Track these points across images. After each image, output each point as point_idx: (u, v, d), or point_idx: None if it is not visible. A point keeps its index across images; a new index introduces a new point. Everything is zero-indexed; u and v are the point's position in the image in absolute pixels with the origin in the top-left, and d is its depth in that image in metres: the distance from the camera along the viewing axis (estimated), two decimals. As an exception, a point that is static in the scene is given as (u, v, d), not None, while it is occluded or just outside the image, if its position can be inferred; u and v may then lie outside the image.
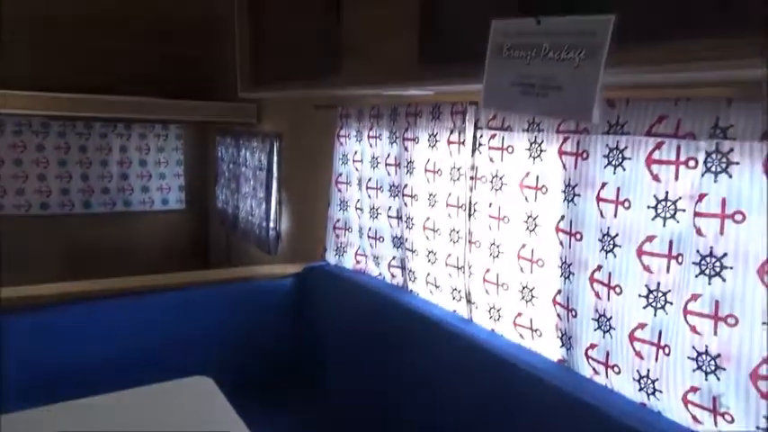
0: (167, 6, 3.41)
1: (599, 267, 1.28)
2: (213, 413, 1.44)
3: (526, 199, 1.48)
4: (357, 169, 2.23)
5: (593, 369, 1.33)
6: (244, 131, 3.51)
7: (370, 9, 1.60)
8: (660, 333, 1.17)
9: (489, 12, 1.09)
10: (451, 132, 1.73)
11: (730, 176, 1.02)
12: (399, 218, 2.01)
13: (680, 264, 1.12)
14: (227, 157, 3.83)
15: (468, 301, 1.73)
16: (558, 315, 1.43)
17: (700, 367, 1.08)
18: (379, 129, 2.07)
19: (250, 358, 2.23)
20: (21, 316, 1.86)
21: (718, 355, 1.05)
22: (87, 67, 3.44)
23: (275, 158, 3.08)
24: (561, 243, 1.39)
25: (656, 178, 1.16)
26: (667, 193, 1.14)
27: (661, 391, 1.17)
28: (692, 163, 1.10)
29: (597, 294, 1.29)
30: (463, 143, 1.69)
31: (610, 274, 1.25)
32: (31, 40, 3.35)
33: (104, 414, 1.43)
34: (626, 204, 1.21)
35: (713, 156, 1.04)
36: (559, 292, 1.41)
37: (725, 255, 1.03)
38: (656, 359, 1.18)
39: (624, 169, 1.21)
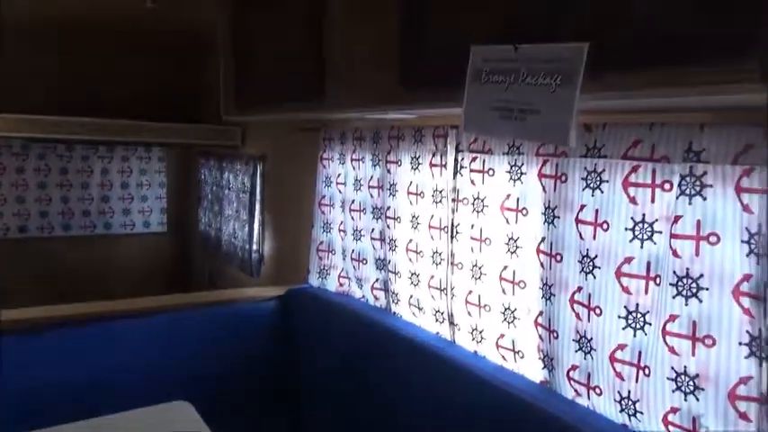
0: (151, 29, 3.42)
1: (579, 289, 1.29)
2: (192, 440, 1.41)
3: (507, 221, 1.50)
4: (340, 191, 2.24)
5: (575, 390, 1.34)
6: (227, 154, 3.51)
7: (352, 34, 1.63)
8: (640, 354, 1.18)
9: (469, 38, 1.12)
10: (433, 155, 1.75)
11: (704, 199, 1.05)
12: (382, 240, 2.01)
13: (658, 285, 1.14)
14: (211, 180, 3.82)
15: (451, 323, 1.73)
16: (540, 336, 1.43)
17: (679, 388, 1.09)
18: (362, 151, 2.09)
19: (232, 383, 2.20)
20: (5, 339, 1.82)
21: (697, 376, 1.06)
22: (69, 89, 3.42)
23: (258, 181, 3.08)
24: (542, 265, 1.40)
25: (632, 201, 1.18)
26: (644, 215, 1.16)
27: (642, 413, 1.17)
28: (667, 186, 1.12)
29: (578, 315, 1.30)
30: (445, 166, 1.71)
31: (590, 295, 1.26)
32: (11, 60, 3.34)
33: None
34: (604, 226, 1.23)
35: (687, 179, 1.07)
36: (541, 313, 1.42)
37: (701, 276, 1.05)
38: (637, 380, 1.18)
39: (602, 192, 1.23)
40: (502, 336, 1.55)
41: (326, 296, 2.26)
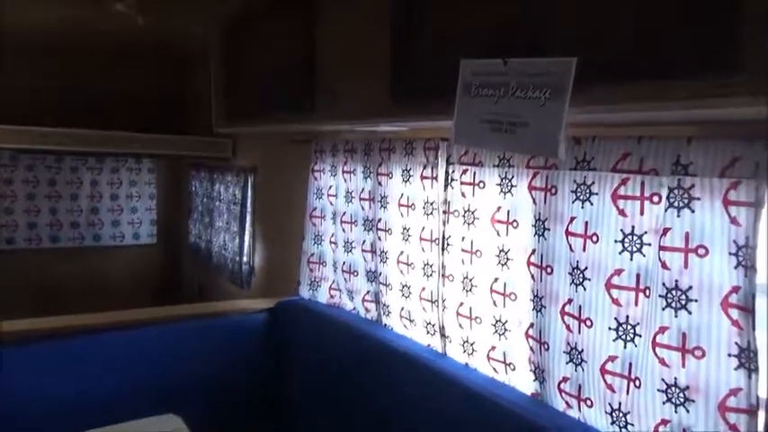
0: (143, 42, 3.43)
1: (570, 301, 1.30)
2: (181, 454, 1.40)
3: (498, 233, 1.50)
4: (331, 203, 2.24)
5: (566, 402, 1.34)
6: (218, 165, 3.50)
7: (343, 47, 1.64)
8: (630, 365, 1.18)
9: (459, 51, 1.13)
10: (424, 167, 1.76)
11: (692, 211, 1.06)
12: (373, 252, 2.01)
13: (647, 297, 1.15)
14: (201, 191, 3.80)
15: (443, 335, 1.73)
16: (531, 348, 1.43)
17: (669, 399, 1.09)
18: (354, 164, 2.09)
19: (221, 395, 2.18)
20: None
21: (687, 387, 1.07)
22: (59, 102, 3.41)
23: (249, 192, 3.07)
24: (533, 277, 1.40)
25: (622, 213, 1.19)
26: (633, 227, 1.17)
27: (633, 424, 1.18)
28: (656, 198, 1.13)
29: (568, 327, 1.31)
30: (436, 178, 1.72)
31: (580, 307, 1.27)
32: (2, 72, 3.32)
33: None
34: (594, 238, 1.24)
35: (676, 191, 1.08)
36: (532, 325, 1.42)
37: (690, 288, 1.06)
38: (628, 392, 1.19)
39: (592, 204, 1.24)
40: (493, 348, 1.55)
41: (317, 308, 2.26)
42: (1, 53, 3.16)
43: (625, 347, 1.19)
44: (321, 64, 1.73)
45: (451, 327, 1.68)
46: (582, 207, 1.26)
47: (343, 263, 2.18)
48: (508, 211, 1.47)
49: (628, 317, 1.19)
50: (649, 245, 1.15)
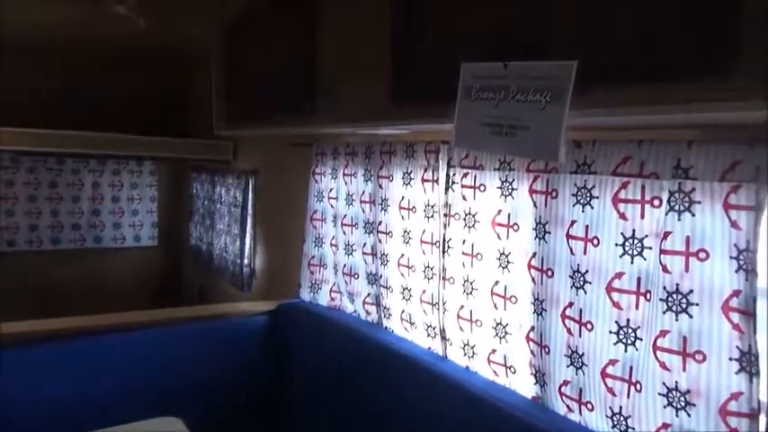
0: (144, 44, 3.43)
1: (570, 304, 1.30)
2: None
3: (498, 236, 1.50)
4: (332, 206, 2.24)
5: (567, 406, 1.33)
6: (219, 168, 3.50)
7: (344, 49, 1.64)
8: (631, 369, 1.18)
9: (459, 54, 1.13)
10: (425, 170, 1.76)
11: (693, 215, 1.05)
12: (374, 254, 2.01)
13: (648, 300, 1.14)
14: (202, 194, 3.81)
15: (443, 338, 1.72)
16: (532, 352, 1.43)
17: (670, 403, 1.09)
18: (355, 166, 2.09)
19: (222, 397, 2.18)
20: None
21: (688, 391, 1.06)
22: (61, 104, 3.42)
23: (250, 195, 3.07)
24: (533, 280, 1.40)
25: (622, 216, 1.19)
26: (634, 230, 1.17)
27: (634, 428, 1.17)
28: (656, 202, 1.13)
29: (569, 331, 1.30)
30: (437, 181, 1.72)
31: (581, 310, 1.27)
32: (3, 75, 3.33)
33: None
34: (595, 242, 1.23)
35: (676, 195, 1.08)
36: (532, 328, 1.42)
37: (691, 291, 1.06)
38: (628, 395, 1.18)
39: (592, 207, 1.24)
40: (494, 351, 1.55)
41: (318, 311, 2.26)
42: (2, 54, 3.17)
43: (626, 351, 1.19)
44: (322, 66, 1.73)
45: (452, 330, 1.68)
46: (582, 210, 1.26)
47: (344, 265, 2.18)
48: (509, 215, 1.47)
49: (629, 320, 1.19)
50: (650, 248, 1.15)
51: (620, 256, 1.19)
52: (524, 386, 1.47)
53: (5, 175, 3.74)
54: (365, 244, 2.07)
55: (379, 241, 1.96)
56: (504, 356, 1.52)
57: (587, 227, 1.25)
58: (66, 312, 2.14)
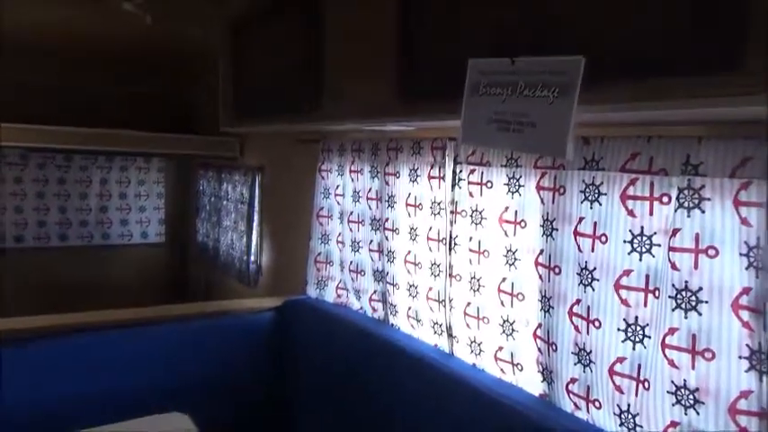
0: (151, 42, 3.44)
1: (578, 301, 1.29)
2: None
3: (506, 233, 1.50)
4: (338, 203, 2.24)
5: (575, 404, 1.33)
6: (226, 165, 3.51)
7: (350, 45, 1.63)
8: (639, 367, 1.17)
9: (466, 50, 1.12)
10: (432, 167, 1.75)
11: (703, 212, 1.04)
12: (380, 251, 2.01)
13: (657, 298, 1.14)
14: (209, 191, 3.81)
15: (450, 335, 1.72)
16: (539, 349, 1.42)
17: (679, 401, 1.08)
18: (361, 163, 2.09)
19: (228, 393, 2.19)
20: (2, 348, 1.80)
21: (697, 390, 1.06)
22: (69, 101, 3.43)
23: (257, 192, 3.08)
24: (541, 277, 1.39)
25: (631, 213, 1.18)
26: (642, 227, 1.16)
27: (642, 426, 1.16)
28: (665, 199, 1.12)
29: (577, 328, 1.30)
30: (443, 178, 1.71)
31: (588, 307, 1.26)
32: (13, 72, 3.34)
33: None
34: (603, 239, 1.23)
35: (686, 192, 1.06)
36: (540, 325, 1.41)
37: (700, 289, 1.05)
38: (636, 393, 1.18)
39: (600, 204, 1.23)
40: (500, 348, 1.54)
41: (324, 307, 2.26)
42: (11, 53, 3.18)
43: (634, 349, 1.18)
44: (328, 63, 1.73)
45: (459, 327, 1.68)
46: (590, 207, 1.25)
47: (351, 262, 2.18)
48: (516, 211, 1.46)
49: (637, 318, 1.18)
50: (659, 245, 1.14)
51: (629, 254, 1.18)
52: (531, 384, 1.47)
53: (14, 171, 3.77)
54: (372, 241, 2.06)
55: (386, 238, 1.95)
56: (511, 354, 1.51)
57: (595, 224, 1.24)
58: (73, 308, 2.16)
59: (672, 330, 1.08)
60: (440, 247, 1.74)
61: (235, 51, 2.42)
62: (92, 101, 3.51)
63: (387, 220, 1.94)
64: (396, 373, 1.76)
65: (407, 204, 1.86)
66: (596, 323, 1.24)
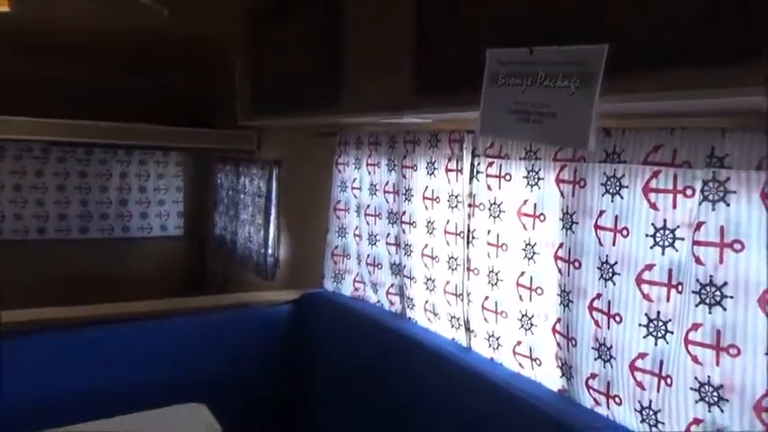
0: (169, 36, 3.46)
1: (598, 296, 1.27)
2: (207, 442, 1.41)
3: (524, 226, 1.48)
4: (356, 196, 2.23)
5: (594, 399, 1.31)
6: (243, 158, 3.52)
7: (368, 38, 1.62)
8: (661, 363, 1.15)
9: (485, 41, 1.11)
10: (449, 160, 1.74)
11: (728, 205, 1.02)
12: (398, 245, 2.00)
13: (680, 292, 1.11)
14: (227, 184, 3.83)
15: (467, 329, 1.71)
16: (558, 344, 1.41)
17: (702, 398, 1.06)
18: (378, 156, 2.08)
19: (246, 384, 2.20)
20: (15, 341, 1.83)
21: (721, 386, 1.03)
22: (88, 95, 3.47)
23: (274, 185, 3.08)
24: (560, 271, 1.38)
25: (653, 206, 1.15)
26: (665, 221, 1.14)
27: (663, 423, 1.14)
28: (689, 191, 1.10)
29: (597, 323, 1.28)
30: (461, 171, 1.70)
31: (609, 302, 1.24)
32: (29, 66, 3.39)
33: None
34: (624, 232, 1.20)
35: (710, 184, 1.04)
36: (559, 320, 1.39)
37: (725, 284, 1.02)
38: (658, 390, 1.16)
39: (622, 197, 1.21)
40: (519, 342, 1.53)
41: (341, 300, 2.26)
42: (30, 47, 3.22)
43: (656, 344, 1.16)
44: (346, 55, 1.72)
45: (476, 321, 1.66)
46: (612, 200, 1.23)
47: (368, 255, 2.17)
48: (535, 204, 1.45)
49: (659, 313, 1.15)
50: (682, 239, 1.11)
51: (651, 248, 1.16)
52: (550, 379, 1.45)
53: (36, 164, 3.82)
54: (389, 234, 2.06)
55: (403, 231, 1.94)
56: (530, 348, 1.50)
57: (616, 217, 1.22)
58: (94, 300, 2.18)
59: (695, 326, 1.06)
60: (457, 240, 1.73)
61: (252, 45, 2.42)
62: (109, 95, 3.54)
63: (404, 213, 1.93)
64: (413, 367, 1.75)
65: (425, 197, 1.85)
66: (617, 318, 1.22)
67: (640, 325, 1.18)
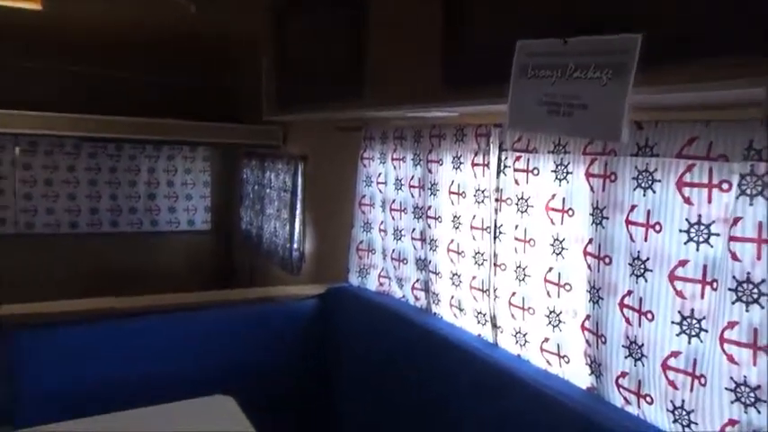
0: (196, 33, 3.50)
1: (629, 292, 1.24)
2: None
3: (552, 221, 1.45)
4: (381, 191, 2.22)
5: (625, 398, 1.28)
6: (269, 153, 3.54)
7: (394, 31, 1.61)
8: (695, 362, 1.12)
9: (514, 32, 1.09)
10: (476, 154, 1.72)
11: (766, 199, 0.98)
12: (423, 240, 1.99)
13: (715, 290, 1.08)
14: (253, 179, 3.86)
15: (494, 325, 1.69)
16: (587, 341, 1.38)
17: (738, 399, 1.03)
18: (403, 151, 2.07)
19: (271, 377, 2.21)
20: (45, 332, 1.87)
21: (758, 387, 1.00)
22: (116, 91, 3.52)
23: (300, 180, 3.09)
24: (589, 267, 1.35)
25: (687, 201, 1.12)
26: (700, 216, 1.10)
27: (697, 423, 1.11)
28: (725, 186, 1.06)
29: (628, 320, 1.25)
30: (488, 165, 1.67)
31: (641, 299, 1.21)
32: (63, 63, 3.45)
33: (126, 429, 1.43)
34: (657, 228, 1.17)
35: (748, 178, 1.00)
36: (588, 317, 1.37)
37: (763, 281, 0.99)
38: (692, 389, 1.13)
39: (654, 192, 1.18)
40: (546, 339, 1.50)
41: (366, 295, 2.26)
42: (64, 45, 3.28)
43: (689, 343, 1.13)
44: (371, 49, 1.71)
45: (503, 317, 1.64)
46: (644, 195, 1.20)
47: (393, 250, 2.17)
48: (563, 199, 1.42)
49: (693, 310, 1.12)
50: (718, 235, 1.08)
51: (685, 243, 1.13)
52: (578, 376, 1.43)
53: (68, 160, 3.90)
54: (414, 229, 2.05)
55: (429, 226, 1.93)
56: (558, 345, 1.47)
57: (649, 212, 1.19)
58: (123, 293, 2.22)
59: (731, 324, 1.03)
60: (484, 235, 1.71)
61: (278, 40, 2.42)
62: (138, 92, 3.60)
63: (429, 208, 1.92)
64: (438, 363, 1.74)
65: (450, 192, 1.83)
66: (649, 315, 1.19)
67: (673, 323, 1.15)
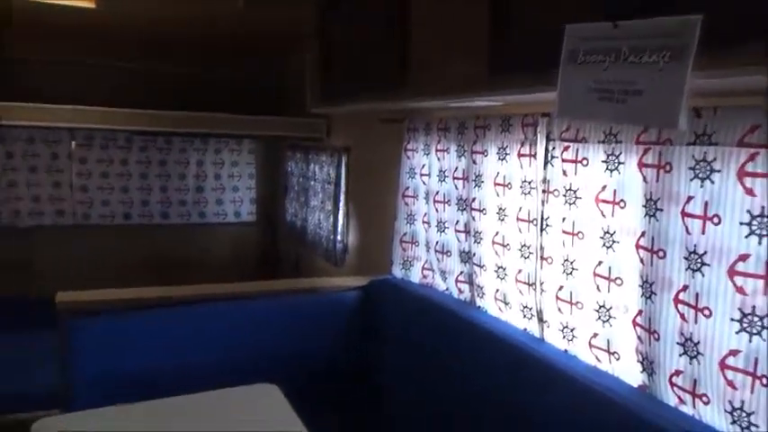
0: (242, 25, 3.54)
1: (685, 287, 1.19)
2: (278, 420, 1.45)
3: (602, 214, 1.41)
4: (424, 183, 2.21)
5: (679, 397, 1.23)
6: (313, 146, 3.57)
7: (439, 20, 1.58)
8: (756, 361, 1.06)
9: (561, 17, 1.05)
10: (522, 145, 1.68)
11: (838, 190, 0.92)
12: (467, 232, 1.96)
13: (779, 286, 1.02)
14: (297, 171, 3.90)
15: (540, 320, 1.65)
16: (639, 337, 1.33)
17: (803, 401, 0.97)
18: (447, 142, 2.04)
19: (315, 367, 2.23)
20: (98, 319, 1.94)
21: (826, 389, 0.94)
22: (166, 87, 3.61)
23: (343, 172, 3.10)
24: (642, 260, 1.30)
25: (749, 192, 1.06)
26: (763, 208, 1.04)
27: (758, 426, 1.06)
28: (792, 175, 1.00)
29: (683, 316, 1.20)
30: (534, 156, 1.63)
31: (697, 294, 1.16)
32: (116, 59, 3.56)
33: (172, 416, 1.47)
34: (715, 220, 1.12)
35: (817, 167, 0.94)
36: (640, 312, 1.32)
37: (833, 277, 0.93)
38: (752, 390, 1.07)
39: (713, 182, 1.12)
40: (595, 335, 1.46)
41: (409, 288, 2.25)
42: (116, 42, 3.38)
43: (750, 341, 1.07)
44: (416, 39, 1.69)
45: (550, 311, 1.61)
46: (701, 186, 1.14)
47: (436, 243, 2.15)
48: (614, 191, 1.37)
49: (754, 307, 1.06)
50: (783, 228, 1.02)
51: (746, 237, 1.07)
52: (629, 374, 1.38)
53: (121, 153, 4.04)
54: (458, 221, 2.02)
55: (473, 218, 1.90)
56: (608, 341, 1.43)
57: (706, 203, 1.13)
58: (173, 282, 2.28)
59: (797, 322, 0.97)
60: (530, 227, 1.67)
61: (323, 32, 2.43)
62: (184, 86, 3.68)
63: (474, 199, 1.89)
64: (483, 356, 1.72)
65: (495, 183, 1.80)
66: (706, 312, 1.14)
67: (732, 320, 1.10)
